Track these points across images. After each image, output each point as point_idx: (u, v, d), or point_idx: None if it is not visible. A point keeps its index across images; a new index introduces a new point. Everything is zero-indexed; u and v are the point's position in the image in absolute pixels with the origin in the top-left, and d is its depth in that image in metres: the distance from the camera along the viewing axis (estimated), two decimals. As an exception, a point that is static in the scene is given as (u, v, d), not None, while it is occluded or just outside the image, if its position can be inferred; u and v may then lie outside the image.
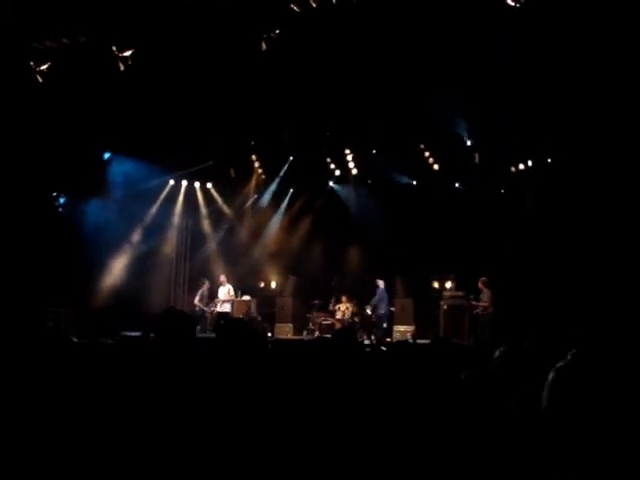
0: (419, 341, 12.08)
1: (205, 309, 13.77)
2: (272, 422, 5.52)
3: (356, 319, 13.64)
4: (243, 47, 10.27)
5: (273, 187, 15.48)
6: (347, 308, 13.70)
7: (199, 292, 13.94)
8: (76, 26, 9.83)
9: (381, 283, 13.52)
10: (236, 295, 13.87)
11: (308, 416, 5.67)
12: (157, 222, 14.45)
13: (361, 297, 13.99)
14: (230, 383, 7.05)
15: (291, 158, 14.73)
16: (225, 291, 13.74)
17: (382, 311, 13.50)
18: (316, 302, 14.27)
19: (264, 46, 10.21)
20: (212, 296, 13.99)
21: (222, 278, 13.89)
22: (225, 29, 9.94)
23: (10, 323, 9.89)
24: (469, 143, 13.06)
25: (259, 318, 13.92)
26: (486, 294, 12.43)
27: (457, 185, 14.37)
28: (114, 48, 10.50)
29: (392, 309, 13.85)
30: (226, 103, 11.55)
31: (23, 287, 11.39)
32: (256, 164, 15.14)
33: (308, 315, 14.33)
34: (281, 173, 15.06)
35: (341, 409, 5.67)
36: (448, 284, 14.18)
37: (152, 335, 11.07)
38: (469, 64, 9.81)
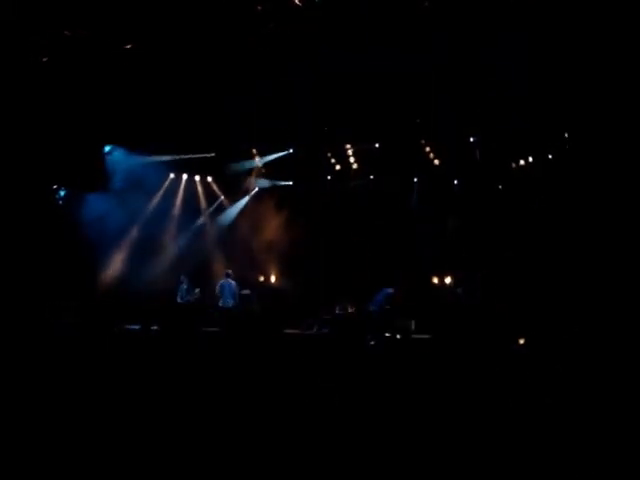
0: (418, 335, 12.21)
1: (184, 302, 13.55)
2: (274, 410, 5.58)
3: (355, 313, 13.66)
4: (242, 40, 10.25)
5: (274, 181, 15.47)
6: (347, 303, 13.73)
7: (179, 289, 13.65)
8: (76, 20, 9.81)
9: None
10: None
11: (309, 405, 5.74)
12: (157, 215, 14.43)
13: (361, 292, 14.00)
14: (234, 374, 7.07)
15: (290, 150, 14.69)
16: (231, 287, 13.59)
17: (371, 308, 13.55)
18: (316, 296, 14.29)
19: (264, 39, 10.20)
20: (190, 290, 13.68)
21: (228, 272, 13.74)
22: (226, 23, 9.92)
23: (11, 316, 9.91)
24: (472, 140, 13.07)
25: (258, 312, 13.91)
26: (474, 287, 12.58)
27: (456, 182, 14.39)
28: (114, 41, 10.48)
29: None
30: (227, 97, 11.54)
31: (23, 281, 11.41)
32: (257, 158, 15.12)
33: (308, 309, 14.33)
34: (280, 167, 15.03)
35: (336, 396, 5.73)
36: (447, 279, 14.23)
37: (154, 328, 10.98)
38: (471, 62, 9.83)
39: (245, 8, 9.43)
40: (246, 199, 15.83)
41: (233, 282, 13.52)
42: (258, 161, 15.20)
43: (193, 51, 10.37)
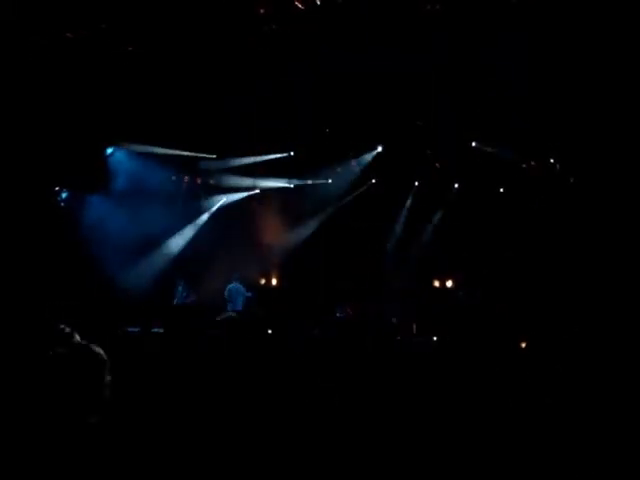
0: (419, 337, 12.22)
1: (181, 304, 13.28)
2: (275, 411, 5.57)
3: (355, 315, 13.67)
4: (242, 40, 10.29)
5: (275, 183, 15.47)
6: (349, 305, 13.75)
7: (175, 292, 13.41)
8: (77, 21, 9.85)
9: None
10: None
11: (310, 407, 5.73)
12: (159, 217, 14.43)
13: (362, 294, 14.01)
14: (234, 376, 7.07)
15: (291, 153, 14.70)
16: (239, 290, 13.60)
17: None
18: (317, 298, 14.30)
19: (264, 39, 10.22)
20: (185, 292, 13.44)
21: (237, 276, 13.72)
22: (226, 23, 9.94)
23: (11, 318, 9.90)
24: (474, 144, 13.12)
25: (260, 314, 13.91)
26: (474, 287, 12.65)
27: (456, 185, 14.42)
28: (115, 42, 10.52)
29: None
30: (227, 97, 11.56)
31: (24, 281, 11.42)
32: (259, 159, 15.13)
33: (308, 311, 14.32)
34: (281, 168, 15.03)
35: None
36: (449, 283, 14.25)
37: (155, 330, 10.91)
38: (471, 62, 9.84)
39: (245, 8, 9.46)
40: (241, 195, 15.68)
41: (241, 286, 13.54)
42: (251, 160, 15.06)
43: (193, 51, 10.40)
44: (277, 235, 15.39)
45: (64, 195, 13.82)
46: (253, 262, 15.15)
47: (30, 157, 11.74)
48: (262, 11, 9.82)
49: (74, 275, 12.45)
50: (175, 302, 13.45)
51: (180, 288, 13.49)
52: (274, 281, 15.78)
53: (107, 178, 13.51)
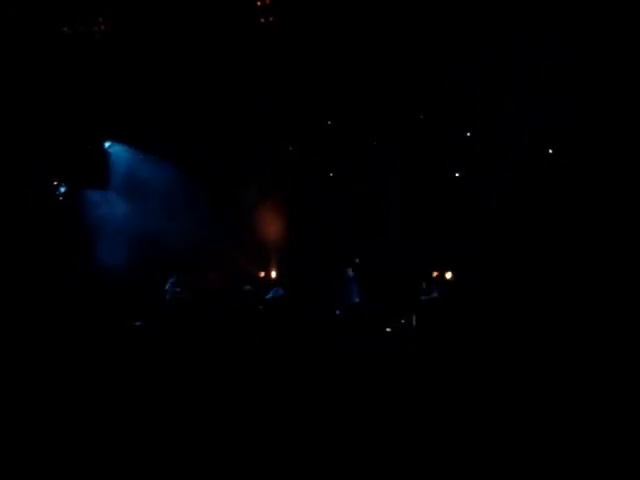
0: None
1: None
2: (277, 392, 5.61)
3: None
4: (241, 39, 10.29)
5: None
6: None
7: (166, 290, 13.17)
8: (76, 16, 9.84)
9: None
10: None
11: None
12: (158, 211, 14.41)
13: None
14: (232, 371, 7.10)
15: (290, 148, 14.67)
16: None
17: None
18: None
19: (264, 34, 10.21)
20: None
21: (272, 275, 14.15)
22: (227, 21, 9.94)
23: (10, 313, 9.93)
24: (469, 134, 13.16)
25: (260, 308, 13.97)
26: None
27: (457, 175, 14.41)
28: (114, 37, 10.51)
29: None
30: (226, 92, 11.55)
31: (23, 276, 11.44)
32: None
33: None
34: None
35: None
36: (448, 274, 14.24)
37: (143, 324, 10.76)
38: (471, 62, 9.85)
39: (246, 6, 9.47)
40: None
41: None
42: None
43: (191, 44, 10.39)
44: (277, 229, 15.41)
45: (62, 189, 13.82)
46: (253, 256, 15.19)
47: (28, 152, 11.74)
48: (259, 3, 9.82)
49: (72, 268, 12.48)
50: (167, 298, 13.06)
51: (169, 285, 13.16)
52: (273, 274, 15.81)
53: (106, 172, 13.49)
